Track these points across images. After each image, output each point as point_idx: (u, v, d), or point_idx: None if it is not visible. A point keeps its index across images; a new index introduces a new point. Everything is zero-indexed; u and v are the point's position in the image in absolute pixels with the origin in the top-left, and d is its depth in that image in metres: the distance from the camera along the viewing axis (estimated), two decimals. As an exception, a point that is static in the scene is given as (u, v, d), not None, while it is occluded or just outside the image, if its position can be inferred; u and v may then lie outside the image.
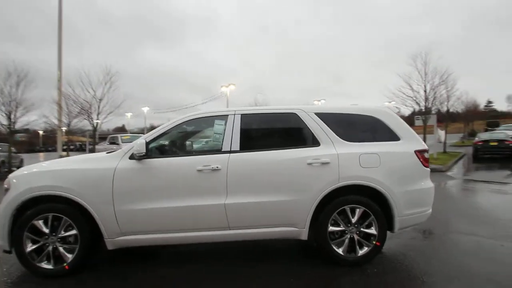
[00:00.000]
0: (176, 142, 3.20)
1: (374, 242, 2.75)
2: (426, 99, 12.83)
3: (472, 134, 26.90)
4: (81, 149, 35.98)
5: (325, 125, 2.87)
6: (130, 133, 23.60)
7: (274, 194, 2.67)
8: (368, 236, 2.77)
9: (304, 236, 2.75)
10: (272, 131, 3.03)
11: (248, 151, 2.75)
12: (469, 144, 19.57)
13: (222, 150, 2.76)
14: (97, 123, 13.31)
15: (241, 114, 2.88)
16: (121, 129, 48.50)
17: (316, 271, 2.67)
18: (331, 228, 2.74)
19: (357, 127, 2.96)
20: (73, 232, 2.59)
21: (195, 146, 3.29)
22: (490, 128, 22.66)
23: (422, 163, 2.89)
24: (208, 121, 3.01)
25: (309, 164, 2.71)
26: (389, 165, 2.78)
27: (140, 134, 19.78)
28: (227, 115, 2.89)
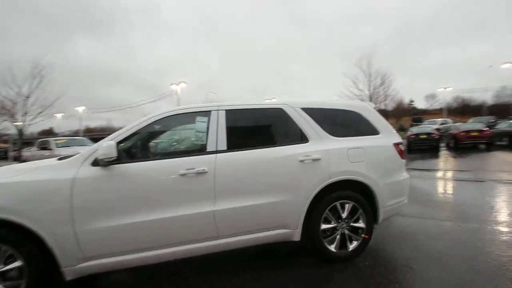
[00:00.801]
0: (150, 143, 2.76)
1: (362, 236, 2.79)
2: (371, 98, 14.14)
3: (402, 129, 30.69)
4: (-2, 157, 30.13)
5: (312, 120, 2.80)
6: (65, 137, 20.57)
7: (267, 196, 2.49)
8: (356, 230, 2.80)
9: (297, 237, 2.63)
10: (259, 128, 2.83)
11: (236, 150, 2.51)
12: (401, 137, 22.19)
13: (207, 150, 2.46)
14: (22, 125, 11.21)
15: (226, 110, 2.62)
16: (49, 133, 42.13)
17: (310, 271, 2.59)
18: (323, 226, 2.68)
19: (341, 122, 2.96)
20: (17, 264, 2.01)
21: (174, 146, 2.89)
22: (415, 123, 26.01)
23: (399, 155, 3.03)
24: (188, 117, 2.66)
25: (301, 161, 2.60)
26: (373, 158, 2.84)
27: (77, 137, 17.34)
28: (210, 111, 2.60)
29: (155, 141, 2.78)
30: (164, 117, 2.51)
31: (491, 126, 16.25)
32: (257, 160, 2.52)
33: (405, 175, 3.10)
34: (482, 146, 13.58)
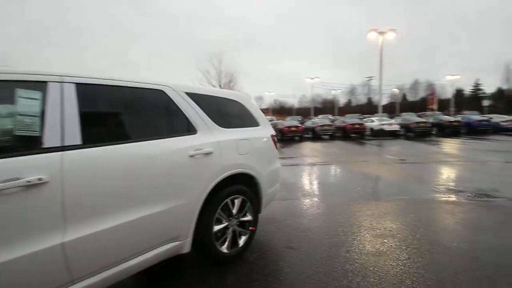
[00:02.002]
0: None
1: (250, 228, 2.73)
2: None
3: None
4: None
5: (199, 108, 2.39)
6: None
7: (149, 205, 1.85)
8: (244, 224, 2.70)
9: (187, 248, 2.17)
10: (132, 114, 2.05)
11: (98, 145, 1.68)
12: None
13: (44, 146, 1.49)
14: None
15: (76, 83, 1.69)
16: None
17: (203, 277, 2.23)
18: (215, 228, 2.37)
19: (226, 112, 2.74)
20: None
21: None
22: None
23: (275, 145, 3.22)
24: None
25: (191, 156, 2.14)
26: (257, 150, 2.84)
27: None
28: (46, 81, 1.59)
29: None
30: None
31: (301, 123, 21.83)
32: (133, 158, 1.81)
33: (279, 163, 3.35)
34: (297, 138, 17.91)
